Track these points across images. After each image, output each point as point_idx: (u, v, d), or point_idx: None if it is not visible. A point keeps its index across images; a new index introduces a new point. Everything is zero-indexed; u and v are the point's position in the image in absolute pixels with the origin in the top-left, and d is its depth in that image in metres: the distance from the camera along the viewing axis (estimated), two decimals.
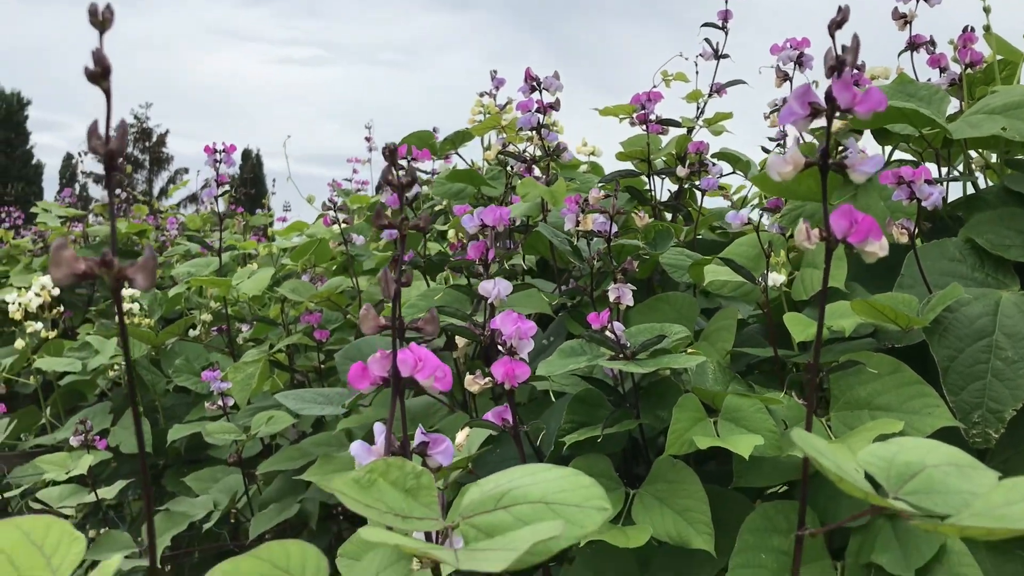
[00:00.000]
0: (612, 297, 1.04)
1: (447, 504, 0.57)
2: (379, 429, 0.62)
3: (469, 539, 0.52)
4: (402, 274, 0.58)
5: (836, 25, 0.58)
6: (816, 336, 0.68)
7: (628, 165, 1.81)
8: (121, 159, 0.40)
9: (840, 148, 0.61)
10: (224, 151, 1.86)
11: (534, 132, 1.35)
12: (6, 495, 1.83)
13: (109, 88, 0.40)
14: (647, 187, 1.75)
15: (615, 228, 1.12)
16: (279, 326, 1.87)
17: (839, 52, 0.58)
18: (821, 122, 0.59)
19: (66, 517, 2.02)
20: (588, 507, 0.52)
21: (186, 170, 31.46)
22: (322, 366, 1.78)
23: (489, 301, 0.93)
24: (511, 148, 1.54)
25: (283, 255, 2.15)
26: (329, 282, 1.74)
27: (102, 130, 0.41)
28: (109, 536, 1.70)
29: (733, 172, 1.83)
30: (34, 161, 37.63)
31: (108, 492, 1.78)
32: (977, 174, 1.40)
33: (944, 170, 1.36)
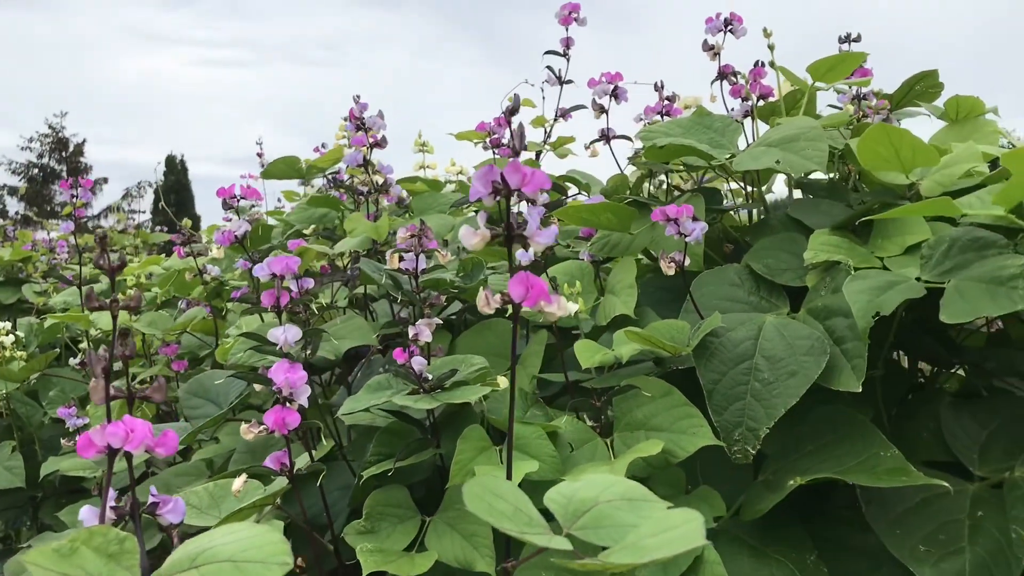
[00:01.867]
0: (411, 334, 1.10)
1: None
2: (111, 495, 0.67)
3: None
4: (118, 352, 0.63)
5: (510, 113, 0.65)
6: (510, 384, 0.74)
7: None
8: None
9: (522, 218, 0.68)
10: (82, 185, 1.88)
11: (362, 168, 1.40)
12: None
13: None
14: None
15: (423, 264, 1.18)
16: (143, 357, 1.89)
17: (515, 140, 0.65)
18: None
19: None
20: (271, 562, 0.58)
21: (106, 180, 30.73)
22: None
23: (279, 347, 0.99)
24: (354, 182, 1.60)
25: (151, 286, 2.17)
26: (186, 314, 1.77)
27: None
28: None
29: (579, 193, 1.91)
30: None
31: None
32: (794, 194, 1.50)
33: (751, 191, 1.46)
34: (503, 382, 1.14)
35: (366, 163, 1.41)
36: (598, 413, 1.10)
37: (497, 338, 1.34)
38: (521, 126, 0.64)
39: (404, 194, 1.78)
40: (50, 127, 29.58)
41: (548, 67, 1.91)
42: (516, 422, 1.04)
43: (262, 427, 0.91)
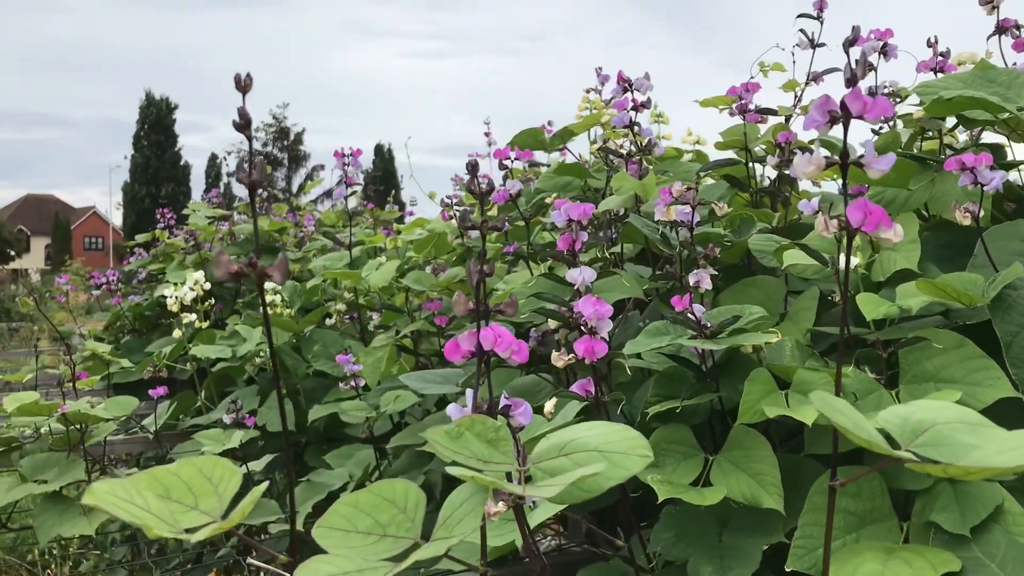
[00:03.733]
0: (692, 281, 1.14)
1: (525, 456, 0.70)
2: (469, 394, 0.75)
3: (537, 479, 0.64)
4: (483, 267, 0.71)
5: (849, 43, 0.68)
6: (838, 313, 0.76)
7: (730, 154, 1.89)
8: (259, 178, 0.54)
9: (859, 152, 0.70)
10: (352, 155, 2.04)
11: (628, 129, 1.45)
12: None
13: (251, 136, 0.54)
14: (750, 174, 1.82)
15: (697, 218, 1.21)
16: (404, 313, 2.04)
17: (853, 67, 0.67)
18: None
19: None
20: (633, 454, 0.64)
21: (322, 166, 32.70)
22: (443, 350, 1.94)
23: (576, 287, 1.05)
24: (610, 144, 1.65)
25: (408, 248, 2.32)
26: (448, 272, 1.89)
27: (246, 166, 0.55)
28: (260, 504, 1.91)
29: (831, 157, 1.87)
30: (182, 162, 40.02)
31: (257, 465, 1.99)
32: None
33: None
34: (779, 335, 1.16)
35: (631, 125, 1.45)
36: (882, 365, 1.10)
37: (762, 294, 1.36)
38: (863, 54, 0.66)
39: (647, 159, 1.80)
40: (274, 117, 31.79)
41: (801, 30, 1.89)
42: (802, 368, 1.06)
43: (571, 355, 0.98)
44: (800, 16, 1.87)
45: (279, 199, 4.65)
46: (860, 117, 0.67)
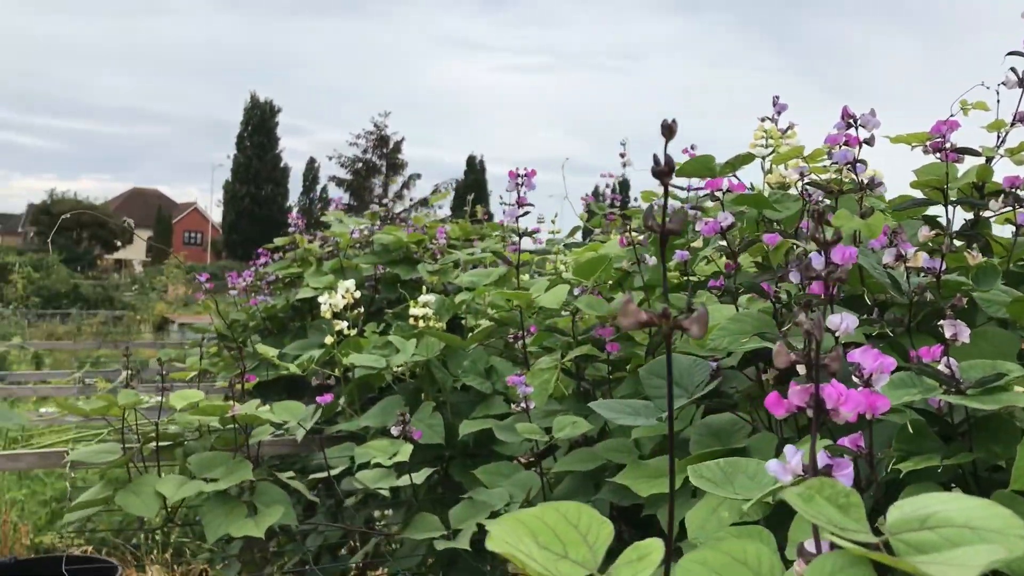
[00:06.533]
0: (948, 333, 1.09)
1: None
2: (791, 451, 0.72)
3: (900, 553, 0.61)
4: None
5: None
6: None
7: (919, 193, 1.82)
8: (677, 227, 0.52)
9: None
10: (526, 175, 2.03)
11: (849, 166, 1.41)
12: (331, 474, 2.09)
13: (668, 184, 0.52)
14: (948, 216, 1.75)
15: (943, 265, 1.16)
16: (566, 335, 2.02)
17: None
18: None
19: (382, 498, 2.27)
20: (1010, 533, 0.60)
21: (419, 175, 33.12)
22: (610, 376, 1.91)
23: (836, 334, 1.01)
24: (814, 178, 1.60)
25: (567, 270, 2.31)
26: (617, 299, 1.86)
27: (655, 214, 0.53)
28: (423, 518, 1.92)
29: None
30: (282, 164, 41.10)
31: (418, 477, 1.99)
32: None
33: None
34: None
35: (855, 162, 1.41)
36: None
37: (993, 347, 1.29)
38: None
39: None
40: (375, 125, 32.38)
41: (1011, 68, 1.82)
42: None
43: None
44: (1010, 54, 1.80)
45: (408, 212, 4.72)
46: None
